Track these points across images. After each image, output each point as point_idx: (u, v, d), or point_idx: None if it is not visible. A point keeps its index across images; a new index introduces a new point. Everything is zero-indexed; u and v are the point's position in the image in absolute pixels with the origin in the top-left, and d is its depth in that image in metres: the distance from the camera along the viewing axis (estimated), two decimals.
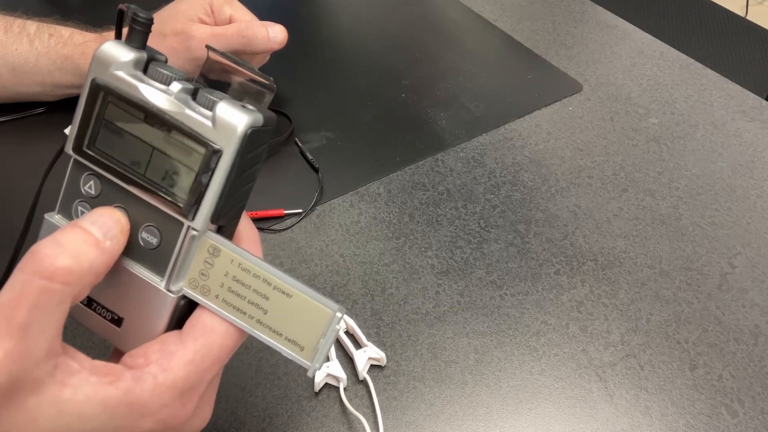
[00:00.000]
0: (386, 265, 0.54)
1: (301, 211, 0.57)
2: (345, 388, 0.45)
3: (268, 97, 0.33)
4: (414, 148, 0.65)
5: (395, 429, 0.44)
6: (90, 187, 0.29)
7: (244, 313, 0.29)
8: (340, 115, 0.68)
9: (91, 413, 0.25)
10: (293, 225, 0.56)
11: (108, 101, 0.28)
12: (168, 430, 0.28)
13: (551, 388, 0.46)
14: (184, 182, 0.28)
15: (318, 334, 0.29)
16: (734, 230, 0.59)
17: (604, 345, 0.49)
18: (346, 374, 0.46)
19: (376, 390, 0.45)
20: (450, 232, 0.57)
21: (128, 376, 0.27)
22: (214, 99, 0.27)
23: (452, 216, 0.58)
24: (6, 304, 0.24)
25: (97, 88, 0.27)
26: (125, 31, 0.28)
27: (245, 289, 0.29)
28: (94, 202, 0.29)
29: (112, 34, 0.30)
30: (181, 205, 0.28)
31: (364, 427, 0.42)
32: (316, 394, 0.45)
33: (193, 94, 0.28)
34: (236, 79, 0.33)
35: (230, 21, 0.60)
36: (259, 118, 0.28)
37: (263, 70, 0.52)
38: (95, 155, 0.28)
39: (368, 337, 0.48)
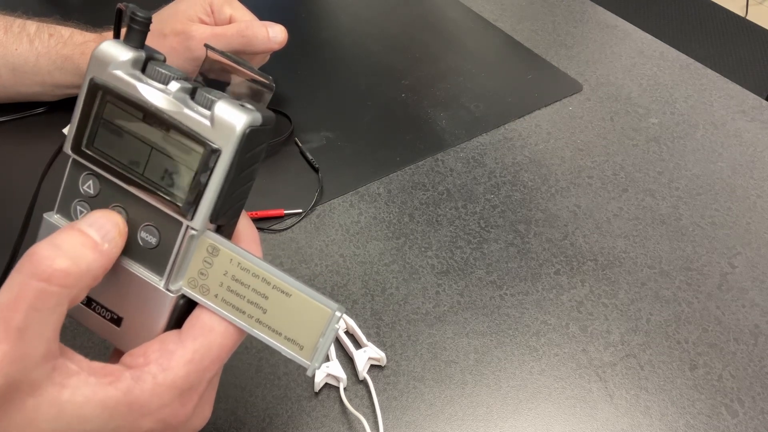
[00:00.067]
0: (386, 265, 0.54)
1: (301, 211, 0.57)
2: (345, 388, 0.45)
3: (268, 97, 0.33)
4: (414, 148, 0.65)
5: (395, 429, 0.44)
6: (89, 186, 0.29)
7: (244, 312, 0.29)
8: (340, 115, 0.68)
9: (90, 414, 0.25)
10: (293, 225, 0.56)
11: (106, 101, 0.28)
12: (168, 430, 0.28)
13: (551, 388, 0.46)
14: (183, 182, 0.28)
15: (317, 334, 0.29)
16: (734, 230, 0.59)
17: (604, 345, 0.49)
18: (346, 374, 0.46)
19: (376, 390, 0.45)
20: (450, 232, 0.57)
21: (128, 376, 0.27)
22: (213, 98, 0.27)
23: (452, 216, 0.58)
24: (3, 307, 0.24)
25: (95, 88, 0.27)
26: (124, 30, 0.28)
27: (244, 289, 0.29)
28: (92, 201, 0.29)
29: (112, 33, 0.30)
30: (180, 204, 0.28)
31: (364, 427, 0.42)
32: (316, 394, 0.45)
33: (192, 94, 0.28)
34: (235, 79, 0.33)
35: (230, 21, 0.60)
36: (257, 117, 0.28)
37: (263, 70, 0.52)
38: (94, 155, 0.28)
39: (368, 337, 0.48)
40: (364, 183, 0.61)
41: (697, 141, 0.68)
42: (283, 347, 0.30)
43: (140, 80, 0.27)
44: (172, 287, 0.29)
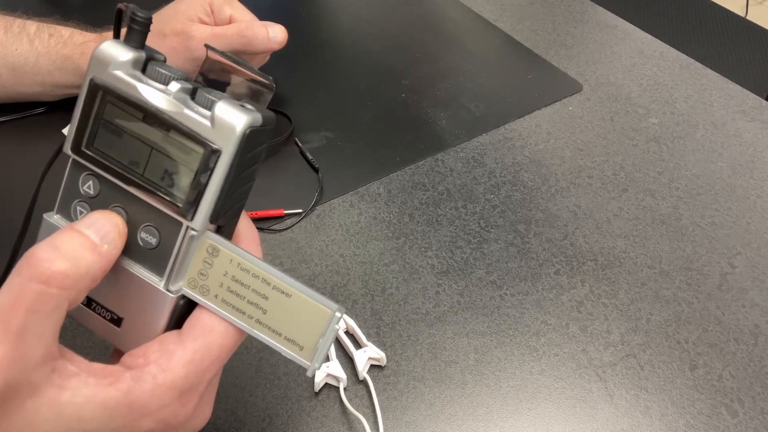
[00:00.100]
0: (386, 265, 0.54)
1: (301, 211, 0.57)
2: (345, 388, 0.45)
3: (268, 97, 0.33)
4: (414, 148, 0.65)
5: (395, 429, 0.44)
6: (89, 187, 0.29)
7: (244, 312, 0.29)
8: (340, 115, 0.68)
9: (90, 415, 0.25)
10: (293, 225, 0.56)
11: (106, 101, 0.27)
12: (168, 430, 0.28)
13: (551, 388, 0.46)
14: (183, 182, 0.28)
15: (317, 334, 0.29)
16: (734, 230, 0.59)
17: (604, 345, 0.49)
18: (346, 374, 0.46)
19: (376, 390, 0.45)
20: (450, 232, 0.57)
21: (127, 376, 0.27)
22: (213, 98, 0.27)
23: (452, 216, 0.58)
24: (2, 308, 0.24)
25: (95, 88, 0.27)
26: (124, 30, 0.28)
27: (244, 289, 0.29)
28: (92, 202, 0.29)
29: (112, 34, 0.30)
30: (180, 205, 0.28)
31: (364, 427, 0.42)
32: (316, 394, 0.45)
33: (192, 94, 0.28)
34: (236, 79, 0.33)
35: (230, 21, 0.60)
36: (258, 117, 0.28)
37: (263, 70, 0.52)
38: (94, 155, 0.28)
39: (368, 337, 0.48)
40: (364, 183, 0.61)
41: (697, 141, 0.68)
42: (283, 348, 0.30)
43: (140, 80, 0.27)
44: (172, 288, 0.29)
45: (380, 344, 0.48)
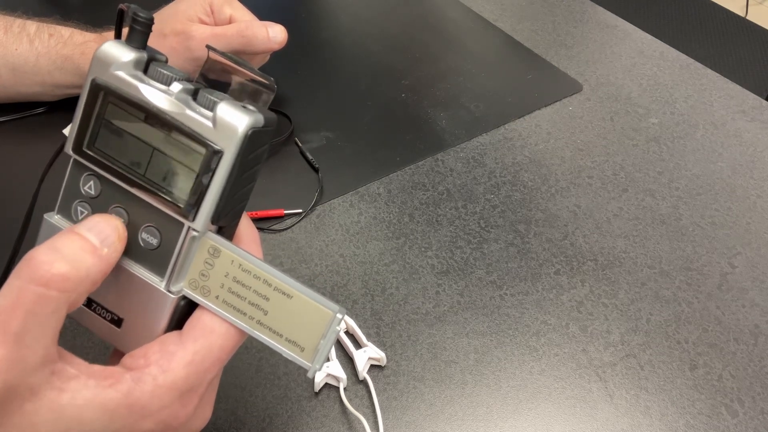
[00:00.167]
0: (386, 265, 0.54)
1: (301, 211, 0.57)
2: (345, 388, 0.45)
3: (269, 97, 0.33)
4: (414, 148, 0.65)
5: (395, 429, 0.44)
6: (90, 187, 0.29)
7: (244, 313, 0.29)
8: (340, 115, 0.68)
9: (90, 417, 0.25)
10: (293, 225, 0.56)
11: (108, 101, 0.27)
12: (168, 431, 0.28)
13: (551, 388, 0.46)
14: (185, 183, 0.28)
15: (318, 335, 0.29)
16: (734, 230, 0.59)
17: (604, 345, 0.49)
18: (346, 374, 0.46)
19: (376, 390, 0.45)
20: (450, 232, 0.57)
21: (128, 377, 0.27)
22: (215, 99, 0.27)
23: (452, 216, 0.58)
24: (1, 311, 0.24)
25: (97, 88, 0.27)
26: (125, 31, 0.28)
27: (245, 290, 0.29)
28: (93, 202, 0.29)
29: (112, 34, 0.30)
30: (182, 205, 0.28)
31: (364, 427, 0.42)
32: (316, 394, 0.45)
33: (194, 95, 0.28)
34: (236, 79, 0.33)
35: (230, 21, 0.60)
36: (259, 118, 0.28)
37: (263, 70, 0.52)
38: (95, 155, 0.28)
39: (368, 337, 0.48)
40: (364, 183, 0.61)
41: (697, 141, 0.68)
42: (283, 349, 0.30)
43: (142, 81, 0.27)
44: (173, 288, 0.29)
45: (380, 344, 0.48)
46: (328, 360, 0.46)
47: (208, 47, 0.33)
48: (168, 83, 0.27)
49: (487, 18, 0.84)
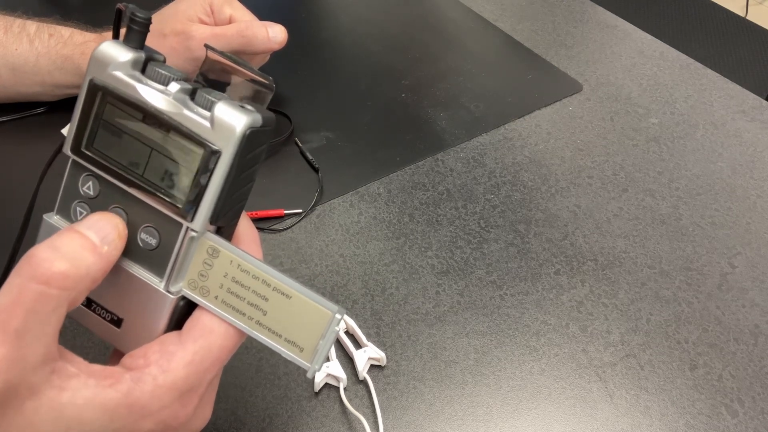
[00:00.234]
0: (386, 265, 0.54)
1: (301, 211, 0.57)
2: (345, 388, 0.45)
3: (268, 97, 0.33)
4: (414, 148, 0.65)
5: (395, 429, 0.44)
6: (88, 187, 0.29)
7: (244, 314, 0.29)
8: (340, 115, 0.68)
9: (90, 416, 0.25)
10: (293, 225, 0.56)
11: (106, 102, 0.27)
12: (168, 431, 0.28)
13: (551, 388, 0.46)
14: (183, 183, 0.28)
15: (317, 336, 0.29)
16: (734, 230, 0.59)
17: (604, 345, 0.49)
18: (346, 374, 0.46)
19: (376, 390, 0.45)
20: (450, 232, 0.57)
21: (127, 377, 0.27)
22: (213, 99, 0.27)
23: (452, 216, 0.58)
24: (1, 309, 0.24)
25: (95, 89, 0.27)
26: (124, 31, 0.28)
27: (244, 290, 0.29)
28: (92, 202, 0.29)
29: (111, 34, 0.30)
30: (180, 206, 0.28)
31: (364, 427, 0.42)
32: (316, 394, 0.45)
33: (192, 95, 0.28)
34: (235, 79, 0.33)
35: (230, 21, 0.60)
36: (258, 118, 0.28)
37: (263, 70, 0.52)
38: (93, 156, 0.28)
39: (368, 337, 0.48)
40: (364, 183, 0.61)
41: (697, 141, 0.68)
42: (283, 349, 0.30)
43: (140, 81, 0.27)
44: (172, 289, 0.29)
45: (380, 344, 0.48)
46: (328, 360, 0.46)
47: (207, 47, 0.33)
48: (166, 83, 0.27)
49: (487, 18, 0.84)
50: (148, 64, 0.28)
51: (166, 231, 0.29)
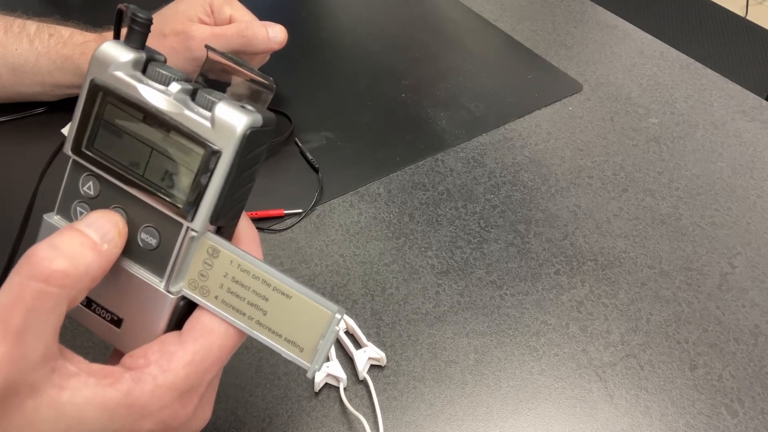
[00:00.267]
0: (386, 265, 0.54)
1: (301, 211, 0.57)
2: (345, 388, 0.45)
3: (268, 97, 0.33)
4: (414, 148, 0.65)
5: (395, 429, 0.44)
6: (89, 187, 0.29)
7: (244, 314, 0.29)
8: (340, 115, 0.68)
9: (90, 416, 0.25)
10: (293, 225, 0.56)
11: (107, 102, 0.27)
12: (168, 431, 0.28)
13: (551, 388, 0.46)
14: (183, 183, 0.28)
15: (317, 336, 0.29)
16: (734, 230, 0.59)
17: (604, 345, 0.49)
18: (346, 374, 0.46)
19: (376, 390, 0.45)
20: (450, 232, 0.57)
21: (127, 377, 0.27)
22: (213, 99, 0.27)
23: (452, 216, 0.58)
24: (1, 308, 0.24)
25: (96, 89, 0.27)
26: (124, 31, 0.28)
27: (244, 290, 0.29)
28: (93, 202, 0.29)
29: (112, 34, 0.30)
30: (180, 205, 0.28)
31: (364, 427, 0.42)
32: (316, 394, 0.45)
33: (192, 95, 0.28)
34: (236, 80, 0.33)
35: (230, 21, 0.60)
36: (258, 118, 0.28)
37: (263, 70, 0.52)
38: (94, 156, 0.28)
39: (368, 337, 0.48)
40: (364, 183, 0.61)
41: (697, 141, 0.68)
42: (283, 349, 0.30)
43: (141, 81, 0.27)
44: (173, 289, 0.29)
45: (380, 344, 0.48)
46: (328, 360, 0.46)
47: (207, 47, 0.33)
48: (166, 83, 0.27)
49: (487, 18, 0.84)
50: (149, 65, 0.28)
51: (167, 231, 0.29)
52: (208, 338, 0.29)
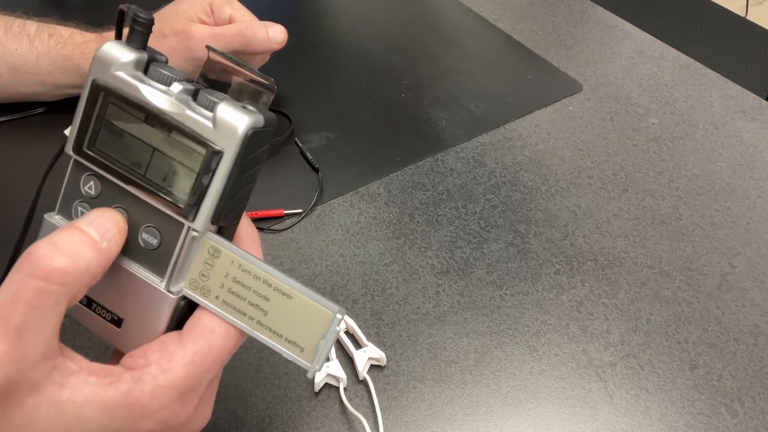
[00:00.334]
0: (386, 265, 0.54)
1: (301, 211, 0.57)
2: (345, 388, 0.45)
3: (269, 98, 0.33)
4: (414, 148, 0.65)
5: (395, 429, 0.44)
6: (90, 187, 0.29)
7: (244, 314, 0.29)
8: (340, 115, 0.68)
9: (90, 415, 0.25)
10: (293, 225, 0.56)
11: (108, 102, 0.28)
12: (168, 431, 0.28)
13: (551, 388, 0.46)
14: (185, 183, 0.28)
15: (318, 336, 0.29)
16: (734, 230, 0.59)
17: (604, 345, 0.49)
18: (346, 374, 0.46)
19: (376, 390, 0.45)
20: (450, 232, 0.57)
21: (128, 377, 0.27)
22: (215, 100, 0.27)
23: (452, 216, 0.58)
24: (1, 306, 0.24)
25: (97, 89, 0.27)
26: (125, 31, 0.28)
27: (245, 290, 0.29)
28: (94, 202, 0.29)
29: (112, 34, 0.30)
30: (182, 205, 0.28)
31: (364, 427, 0.42)
32: (316, 394, 0.45)
33: (194, 95, 0.28)
34: (236, 80, 0.33)
35: (230, 21, 0.60)
36: (259, 119, 0.28)
37: (263, 70, 0.52)
38: (95, 156, 0.28)
39: (368, 337, 0.48)
40: (364, 183, 0.61)
41: (697, 141, 0.68)
42: (283, 349, 0.30)
43: (142, 81, 0.27)
44: (173, 288, 0.29)
45: (380, 344, 0.48)
46: (328, 360, 0.46)
47: (208, 47, 0.33)
48: (168, 84, 0.27)
49: (487, 18, 0.84)
50: (150, 65, 0.28)
51: (168, 231, 0.29)
52: (208, 338, 0.29)
